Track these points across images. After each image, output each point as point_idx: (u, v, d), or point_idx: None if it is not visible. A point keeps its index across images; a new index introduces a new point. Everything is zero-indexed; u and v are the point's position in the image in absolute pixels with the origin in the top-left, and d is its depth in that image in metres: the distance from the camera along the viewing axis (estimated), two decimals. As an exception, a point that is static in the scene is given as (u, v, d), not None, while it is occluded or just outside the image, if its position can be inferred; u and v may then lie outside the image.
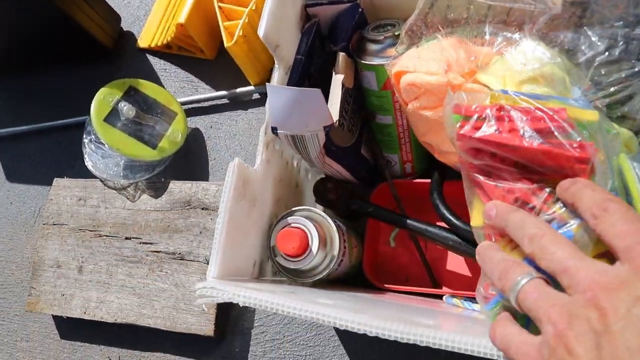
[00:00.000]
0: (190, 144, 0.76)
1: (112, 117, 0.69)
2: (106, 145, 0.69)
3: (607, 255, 0.28)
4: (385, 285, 0.55)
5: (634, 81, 0.32)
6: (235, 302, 0.36)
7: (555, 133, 0.30)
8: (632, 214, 0.26)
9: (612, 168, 0.31)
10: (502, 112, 0.31)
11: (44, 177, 0.81)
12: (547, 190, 0.31)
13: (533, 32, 0.39)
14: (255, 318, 0.65)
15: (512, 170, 0.31)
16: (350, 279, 0.56)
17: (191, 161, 0.75)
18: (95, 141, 0.71)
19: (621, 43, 0.32)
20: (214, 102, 0.78)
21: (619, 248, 0.25)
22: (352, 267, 0.54)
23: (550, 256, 0.27)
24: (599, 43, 0.33)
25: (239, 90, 0.75)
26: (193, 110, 0.78)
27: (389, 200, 0.58)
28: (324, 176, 0.58)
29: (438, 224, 0.51)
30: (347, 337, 0.61)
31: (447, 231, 0.50)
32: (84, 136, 0.72)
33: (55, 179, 0.77)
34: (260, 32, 0.45)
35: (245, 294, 0.36)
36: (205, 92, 0.78)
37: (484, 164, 0.32)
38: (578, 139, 0.29)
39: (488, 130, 0.31)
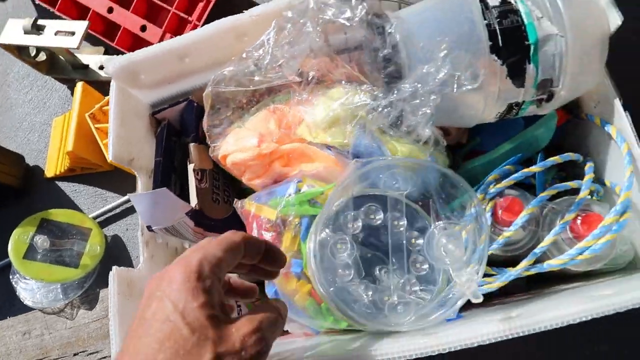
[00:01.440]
0: (112, 250, 0.82)
1: (30, 252, 0.75)
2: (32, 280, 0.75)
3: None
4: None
5: (397, 103, 0.42)
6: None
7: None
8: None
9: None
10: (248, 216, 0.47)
11: (-11, 323, 0.85)
12: None
13: (314, 92, 0.48)
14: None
15: None
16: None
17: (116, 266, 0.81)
18: (23, 278, 0.77)
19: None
20: (124, 207, 0.85)
21: None
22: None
23: None
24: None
25: (140, 190, 0.82)
26: (109, 219, 0.85)
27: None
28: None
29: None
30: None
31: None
32: (10, 276, 0.77)
33: (-1, 322, 0.81)
34: (110, 156, 0.53)
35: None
36: (114, 200, 0.85)
37: None
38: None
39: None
